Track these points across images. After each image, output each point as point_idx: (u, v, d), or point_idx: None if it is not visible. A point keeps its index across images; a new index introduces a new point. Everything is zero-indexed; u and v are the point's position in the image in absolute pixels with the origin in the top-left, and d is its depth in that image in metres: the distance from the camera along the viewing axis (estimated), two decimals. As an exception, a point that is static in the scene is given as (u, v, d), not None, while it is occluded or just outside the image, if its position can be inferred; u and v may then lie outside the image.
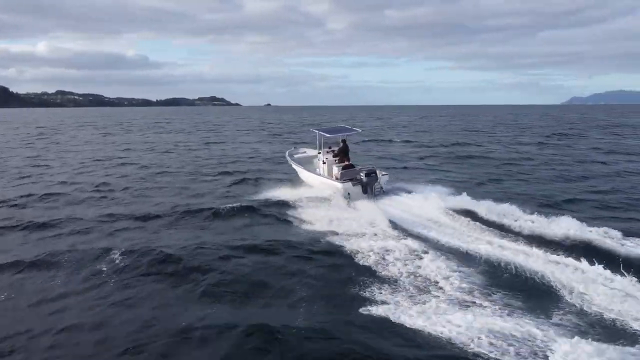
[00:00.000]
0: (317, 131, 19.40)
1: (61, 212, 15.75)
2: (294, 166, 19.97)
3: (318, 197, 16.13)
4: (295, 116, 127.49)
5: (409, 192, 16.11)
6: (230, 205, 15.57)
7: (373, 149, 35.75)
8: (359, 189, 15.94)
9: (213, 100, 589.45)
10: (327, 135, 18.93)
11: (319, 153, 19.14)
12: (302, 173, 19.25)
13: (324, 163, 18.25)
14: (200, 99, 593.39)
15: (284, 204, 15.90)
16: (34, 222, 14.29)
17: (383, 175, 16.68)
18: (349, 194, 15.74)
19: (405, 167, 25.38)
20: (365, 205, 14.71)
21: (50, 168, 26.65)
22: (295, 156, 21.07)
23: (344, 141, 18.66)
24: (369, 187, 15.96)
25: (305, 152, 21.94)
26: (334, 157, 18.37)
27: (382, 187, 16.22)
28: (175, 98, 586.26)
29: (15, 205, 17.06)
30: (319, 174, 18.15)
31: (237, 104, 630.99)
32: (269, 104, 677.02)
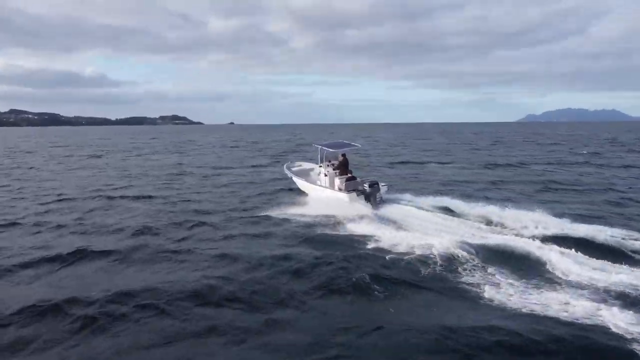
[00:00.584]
0: (319, 146, 20.91)
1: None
2: (295, 179, 21.39)
3: (341, 214, 16.21)
4: (275, 135, 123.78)
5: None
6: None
7: (420, 173, 30.93)
8: (362, 198, 17.30)
9: (175, 119, 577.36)
10: (330, 150, 20.37)
11: (320, 166, 20.46)
12: (304, 185, 20.54)
13: (325, 176, 19.44)
14: (161, 117, 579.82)
15: (324, 224, 15.41)
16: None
17: (382, 186, 18.26)
18: (362, 196, 17.30)
19: (508, 199, 19.52)
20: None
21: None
22: (293, 169, 22.67)
23: (343, 155, 19.99)
24: (372, 197, 17.40)
25: (301, 166, 23.59)
26: (334, 170, 19.39)
27: (381, 198, 17.78)
28: (136, 117, 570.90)
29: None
30: (321, 186, 19.38)
31: (199, 123, 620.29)
32: (232, 122, 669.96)
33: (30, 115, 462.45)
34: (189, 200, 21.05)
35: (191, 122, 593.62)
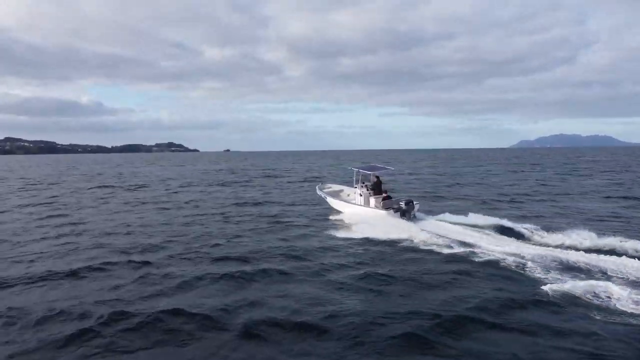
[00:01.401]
0: (355, 169, 23.32)
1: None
2: (329, 199, 23.55)
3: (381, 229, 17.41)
4: (288, 162, 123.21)
5: None
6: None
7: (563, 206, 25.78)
8: (397, 215, 19.31)
9: (171, 146, 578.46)
10: (365, 172, 23.05)
11: (356, 187, 22.48)
12: (340, 205, 22.56)
13: (360, 195, 21.56)
14: (157, 145, 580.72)
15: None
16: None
17: (415, 204, 20.45)
18: (399, 214, 19.35)
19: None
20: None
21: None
22: (325, 191, 25.15)
23: (377, 177, 22.29)
24: (407, 214, 19.59)
25: (331, 187, 26.26)
26: (368, 190, 21.63)
27: (415, 214, 19.95)
28: (132, 144, 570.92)
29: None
30: (358, 204, 21.40)
31: (195, 150, 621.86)
32: (228, 150, 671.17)
33: (26, 143, 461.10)
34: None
35: (187, 150, 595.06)
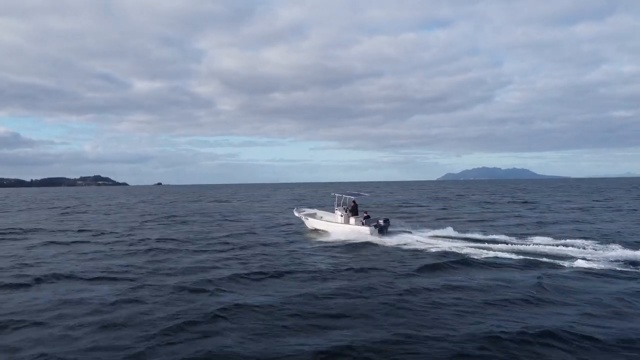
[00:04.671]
0: (337, 194, 27.63)
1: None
2: (310, 220, 27.48)
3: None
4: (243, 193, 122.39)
5: None
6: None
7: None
8: (377, 230, 23.22)
9: (97, 180, 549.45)
10: (346, 196, 26.93)
11: (337, 210, 26.42)
12: (322, 224, 26.35)
13: (341, 216, 25.56)
14: (82, 178, 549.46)
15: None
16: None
17: (390, 222, 24.85)
18: (378, 230, 23.24)
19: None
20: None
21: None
22: (303, 213, 28.78)
23: (354, 201, 26.11)
24: (385, 229, 23.62)
25: (305, 211, 29.73)
26: (347, 212, 25.55)
27: (389, 230, 24.11)
28: (53, 177, 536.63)
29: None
30: (341, 223, 25.24)
31: (124, 183, 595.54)
32: (160, 183, 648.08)
33: None
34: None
35: (115, 183, 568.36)
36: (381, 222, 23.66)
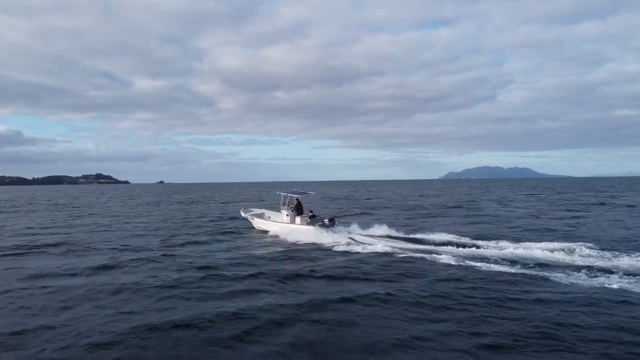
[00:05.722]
0: (282, 194, 27.35)
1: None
2: (257, 220, 27.58)
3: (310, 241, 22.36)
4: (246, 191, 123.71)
5: None
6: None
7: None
8: (323, 229, 23.10)
9: (99, 178, 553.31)
10: (291, 195, 26.69)
11: (283, 209, 26.30)
12: (268, 224, 26.40)
13: (287, 215, 25.53)
14: (84, 176, 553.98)
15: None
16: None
17: (336, 220, 24.94)
18: (323, 228, 23.18)
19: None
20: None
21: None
22: (250, 213, 28.77)
23: (298, 200, 26.22)
24: (330, 229, 23.31)
25: (253, 211, 29.72)
26: (293, 211, 25.52)
27: (335, 229, 23.62)
28: (55, 176, 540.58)
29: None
30: (286, 223, 25.18)
31: (126, 182, 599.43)
32: (161, 181, 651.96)
33: None
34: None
35: (117, 181, 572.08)
36: (326, 221, 23.94)
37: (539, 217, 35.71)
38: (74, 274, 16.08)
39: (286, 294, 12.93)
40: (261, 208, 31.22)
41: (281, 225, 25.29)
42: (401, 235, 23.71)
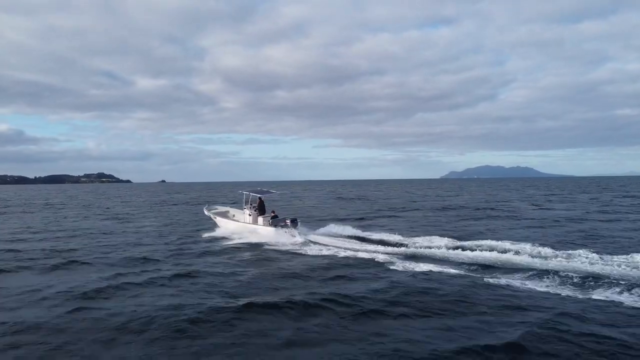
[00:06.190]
0: (244, 192, 26.21)
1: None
2: (218, 219, 26.22)
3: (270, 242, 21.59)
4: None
5: None
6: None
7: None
8: (284, 231, 22.46)
9: (101, 177, 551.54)
10: (253, 194, 25.62)
11: (245, 208, 25.39)
12: (230, 224, 25.27)
13: (249, 215, 24.72)
14: (86, 175, 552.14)
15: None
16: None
17: (298, 222, 23.63)
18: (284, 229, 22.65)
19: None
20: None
21: None
22: (213, 211, 27.42)
23: (260, 199, 25.33)
24: (292, 230, 22.59)
25: (217, 209, 28.42)
26: (255, 211, 24.73)
27: (298, 231, 22.86)
28: (56, 175, 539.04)
29: None
30: (247, 223, 24.43)
31: (128, 181, 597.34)
32: (163, 181, 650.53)
33: None
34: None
35: (119, 180, 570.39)
36: (288, 222, 23.18)
37: (611, 221, 30.87)
38: (52, 305, 11.61)
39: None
40: (226, 206, 30.00)
41: (242, 225, 24.55)
42: (457, 243, 20.12)
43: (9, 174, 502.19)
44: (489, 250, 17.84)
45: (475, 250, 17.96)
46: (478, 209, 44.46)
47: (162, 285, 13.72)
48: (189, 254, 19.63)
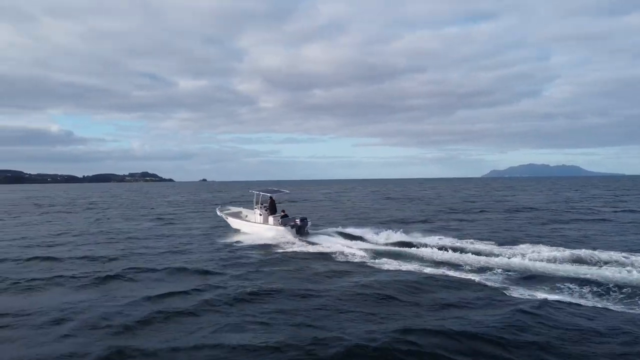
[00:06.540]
0: (255, 192, 25.90)
1: None
2: (230, 219, 26.04)
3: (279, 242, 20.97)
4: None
5: None
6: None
7: None
8: (294, 230, 22.23)
9: (145, 176, 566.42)
10: (263, 194, 25.23)
11: (256, 208, 25.11)
12: (241, 224, 25.07)
13: (260, 215, 24.21)
14: (131, 174, 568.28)
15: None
16: None
17: (308, 221, 23.49)
18: (295, 229, 22.28)
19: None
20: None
21: None
22: (225, 212, 27.33)
23: (271, 198, 24.79)
24: (302, 229, 22.60)
25: (230, 209, 28.30)
26: (266, 210, 24.29)
27: (308, 230, 22.98)
28: (103, 174, 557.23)
29: None
30: (258, 223, 24.03)
31: (170, 180, 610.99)
32: (204, 179, 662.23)
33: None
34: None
35: (162, 179, 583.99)
36: (298, 221, 23.04)
37: None
38: (76, 345, 8.64)
39: None
40: (239, 207, 29.64)
41: (253, 225, 24.36)
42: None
43: (59, 173, 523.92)
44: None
45: (625, 266, 14.02)
46: (553, 210, 39.75)
47: (223, 312, 10.60)
48: (245, 263, 16.64)
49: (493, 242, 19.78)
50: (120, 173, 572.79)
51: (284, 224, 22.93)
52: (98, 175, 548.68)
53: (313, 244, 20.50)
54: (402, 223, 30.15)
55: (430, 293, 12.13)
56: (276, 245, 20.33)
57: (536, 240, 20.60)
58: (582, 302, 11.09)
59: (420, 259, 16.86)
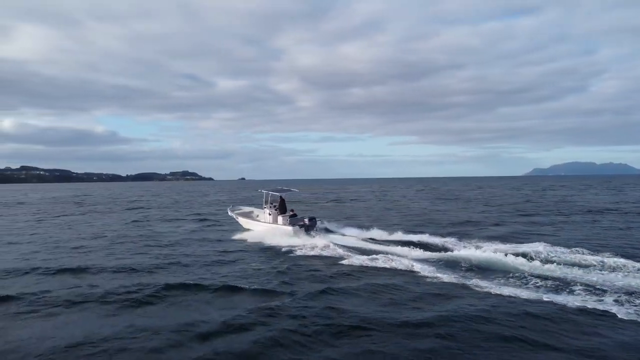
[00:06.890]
0: (264, 191, 26.00)
1: None
2: (240, 219, 25.94)
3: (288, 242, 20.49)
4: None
5: None
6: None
7: None
8: (302, 230, 22.46)
9: (185, 175, 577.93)
10: (273, 193, 25.30)
11: (265, 207, 25.07)
12: (252, 224, 24.96)
13: (270, 215, 24.25)
14: (172, 173, 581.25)
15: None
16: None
17: (318, 220, 23.99)
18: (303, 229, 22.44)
19: None
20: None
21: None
22: (236, 212, 27.19)
23: (281, 198, 24.92)
24: (311, 229, 22.80)
25: (241, 209, 28.21)
26: (276, 210, 24.37)
27: (317, 229, 23.09)
28: (145, 173, 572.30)
29: None
30: (267, 222, 24.08)
31: (210, 178, 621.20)
32: (243, 178, 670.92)
33: (41, 172, 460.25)
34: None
35: (202, 178, 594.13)
36: (306, 221, 23.10)
37: None
38: None
39: None
40: (250, 206, 29.49)
41: (263, 225, 24.18)
42: None
43: (104, 172, 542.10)
44: None
45: None
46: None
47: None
48: (308, 278, 13.45)
49: (613, 253, 15.82)
50: (162, 172, 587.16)
51: (292, 224, 22.87)
52: (141, 174, 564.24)
53: (385, 254, 17.17)
54: (474, 227, 26.43)
55: (580, 334, 8.55)
56: (340, 257, 17.19)
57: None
58: None
59: (536, 276, 13.14)
